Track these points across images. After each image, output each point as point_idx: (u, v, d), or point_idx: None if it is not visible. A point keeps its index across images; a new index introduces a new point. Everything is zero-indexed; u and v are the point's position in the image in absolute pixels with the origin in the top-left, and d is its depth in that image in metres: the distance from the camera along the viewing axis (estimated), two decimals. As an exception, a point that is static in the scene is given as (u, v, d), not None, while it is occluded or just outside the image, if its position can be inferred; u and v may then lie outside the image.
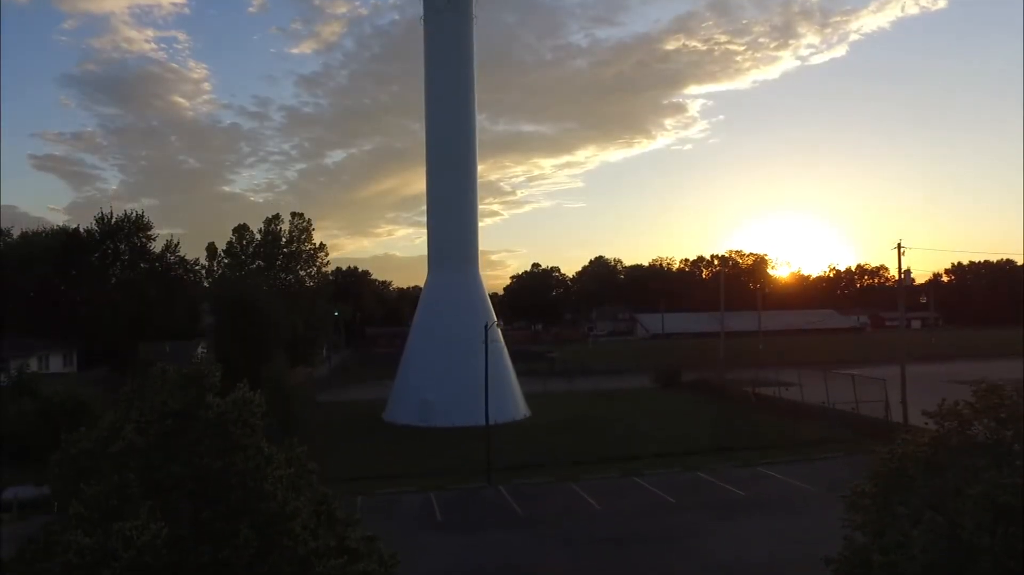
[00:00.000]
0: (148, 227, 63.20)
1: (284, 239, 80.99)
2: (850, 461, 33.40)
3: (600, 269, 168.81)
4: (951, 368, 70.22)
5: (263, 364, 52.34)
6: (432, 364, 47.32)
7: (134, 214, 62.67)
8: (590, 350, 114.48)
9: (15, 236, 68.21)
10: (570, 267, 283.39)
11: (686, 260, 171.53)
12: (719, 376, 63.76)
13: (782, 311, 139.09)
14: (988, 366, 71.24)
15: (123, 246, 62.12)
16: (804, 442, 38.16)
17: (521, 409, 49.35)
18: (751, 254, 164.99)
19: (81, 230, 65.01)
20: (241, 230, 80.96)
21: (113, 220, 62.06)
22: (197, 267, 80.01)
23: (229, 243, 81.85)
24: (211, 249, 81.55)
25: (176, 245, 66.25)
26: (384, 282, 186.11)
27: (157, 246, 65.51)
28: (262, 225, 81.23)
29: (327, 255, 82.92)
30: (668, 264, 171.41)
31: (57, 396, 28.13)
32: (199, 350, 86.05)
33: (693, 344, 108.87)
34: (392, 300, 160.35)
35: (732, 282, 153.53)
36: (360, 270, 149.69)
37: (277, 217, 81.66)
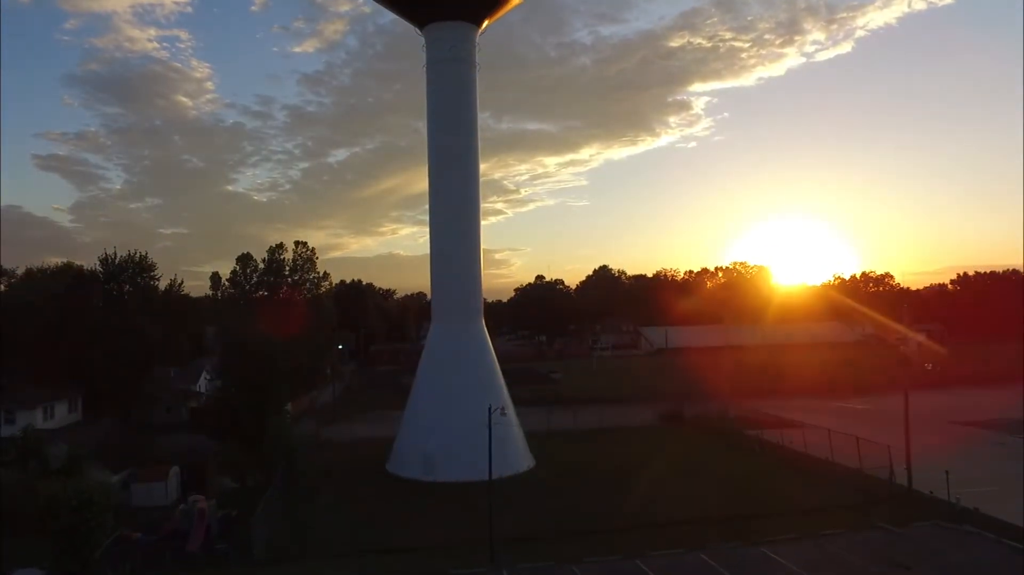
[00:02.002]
0: (152, 267, 63.44)
1: (288, 268, 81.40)
2: (855, 540, 33.42)
3: (604, 280, 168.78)
4: (953, 401, 70.13)
5: (267, 408, 52.64)
6: (435, 417, 47.34)
7: (138, 255, 62.81)
8: (594, 368, 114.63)
9: (20, 272, 68.48)
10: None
11: (690, 272, 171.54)
12: (723, 413, 63.91)
13: (786, 324, 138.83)
14: (989, 396, 72.03)
15: (127, 287, 62.33)
16: (810, 510, 38.05)
17: (524, 460, 49.31)
18: (756, 266, 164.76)
19: (85, 268, 65.23)
20: (245, 259, 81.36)
21: (117, 260, 62.27)
22: (203, 298, 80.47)
23: (233, 271, 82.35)
24: (215, 278, 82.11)
25: (180, 284, 66.52)
26: (388, 291, 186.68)
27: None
28: (266, 254, 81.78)
29: (331, 284, 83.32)
30: (673, 275, 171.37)
31: (63, 492, 28.20)
32: (202, 377, 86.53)
33: (696, 362, 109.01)
34: (395, 312, 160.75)
35: (736, 294, 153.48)
36: (364, 283, 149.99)
37: (281, 246, 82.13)
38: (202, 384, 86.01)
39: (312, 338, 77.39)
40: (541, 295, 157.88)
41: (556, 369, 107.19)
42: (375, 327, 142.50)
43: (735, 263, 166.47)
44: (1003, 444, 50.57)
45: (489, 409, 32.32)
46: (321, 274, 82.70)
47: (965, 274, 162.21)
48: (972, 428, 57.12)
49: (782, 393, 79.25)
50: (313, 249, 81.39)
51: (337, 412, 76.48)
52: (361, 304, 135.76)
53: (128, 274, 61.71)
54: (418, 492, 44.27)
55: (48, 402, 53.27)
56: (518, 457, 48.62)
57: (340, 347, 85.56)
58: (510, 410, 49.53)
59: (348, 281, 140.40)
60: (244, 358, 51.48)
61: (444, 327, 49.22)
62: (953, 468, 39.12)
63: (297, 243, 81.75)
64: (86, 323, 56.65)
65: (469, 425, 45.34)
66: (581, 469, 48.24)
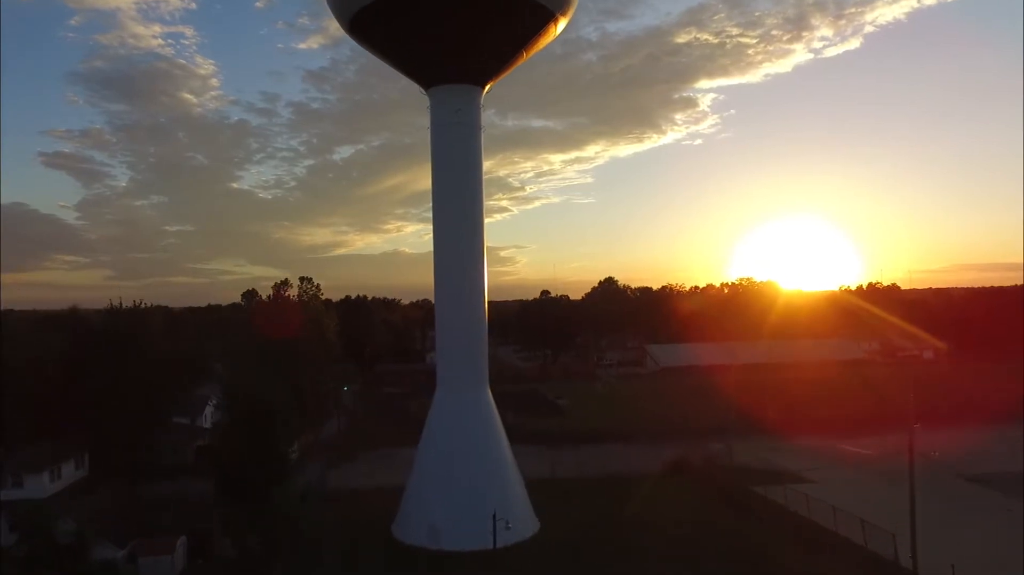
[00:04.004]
0: (157, 314, 63.45)
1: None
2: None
3: (610, 292, 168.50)
4: (962, 444, 69.45)
5: (271, 471, 52.74)
6: (441, 486, 47.24)
7: (143, 304, 63.01)
8: (600, 392, 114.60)
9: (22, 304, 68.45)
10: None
11: (696, 287, 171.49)
12: (728, 461, 63.94)
13: (792, 340, 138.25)
14: (998, 437, 71.56)
15: (133, 338, 62.41)
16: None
17: (530, 524, 49.16)
18: (762, 282, 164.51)
19: (89, 307, 65.22)
20: (250, 295, 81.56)
21: (121, 306, 62.46)
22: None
23: (235, 305, 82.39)
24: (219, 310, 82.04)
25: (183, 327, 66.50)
26: (391, 301, 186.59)
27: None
28: (271, 289, 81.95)
29: (335, 318, 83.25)
30: (679, 289, 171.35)
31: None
32: (207, 409, 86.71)
33: (701, 385, 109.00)
34: (401, 325, 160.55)
35: (742, 310, 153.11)
36: (369, 298, 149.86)
37: (286, 282, 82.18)
38: (207, 416, 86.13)
39: (316, 367, 77.49)
40: (546, 309, 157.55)
41: (562, 394, 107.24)
42: (380, 341, 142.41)
43: (741, 279, 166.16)
44: (1010, 510, 50.27)
45: (494, 517, 32.22)
46: (325, 307, 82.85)
47: (971, 287, 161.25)
48: (980, 488, 56.78)
49: (789, 430, 78.85)
50: (318, 285, 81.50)
51: (342, 450, 76.29)
52: (365, 320, 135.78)
53: (133, 324, 61.84)
54: (423, 564, 44.17)
55: (54, 464, 53.30)
56: (522, 522, 48.39)
57: (345, 388, 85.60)
58: (517, 476, 49.64)
59: (353, 296, 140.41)
60: (248, 419, 51.46)
61: (449, 394, 49.09)
62: (959, 545, 38.86)
63: (302, 279, 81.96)
64: (91, 378, 56.74)
65: (474, 491, 45.63)
66: (583, 541, 47.56)
